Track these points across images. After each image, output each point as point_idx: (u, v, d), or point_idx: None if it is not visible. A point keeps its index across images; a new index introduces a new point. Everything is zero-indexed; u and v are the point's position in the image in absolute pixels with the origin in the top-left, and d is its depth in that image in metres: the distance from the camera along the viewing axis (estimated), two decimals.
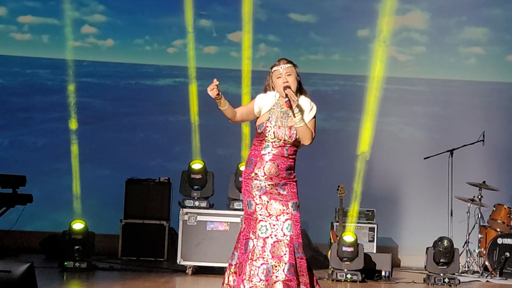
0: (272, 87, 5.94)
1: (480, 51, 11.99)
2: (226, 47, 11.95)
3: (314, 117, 5.91)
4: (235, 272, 5.84)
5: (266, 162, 5.84)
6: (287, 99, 5.77)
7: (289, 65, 5.91)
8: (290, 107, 5.78)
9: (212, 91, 5.71)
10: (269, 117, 5.88)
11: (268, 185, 5.83)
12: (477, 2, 11.95)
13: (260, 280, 5.69)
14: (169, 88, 11.92)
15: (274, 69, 5.93)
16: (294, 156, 5.92)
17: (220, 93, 5.73)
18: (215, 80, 5.74)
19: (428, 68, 11.97)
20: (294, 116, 5.79)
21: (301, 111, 5.82)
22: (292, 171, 5.92)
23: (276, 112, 5.90)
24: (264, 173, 5.83)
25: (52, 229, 10.52)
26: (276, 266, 5.70)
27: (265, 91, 5.99)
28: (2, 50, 11.78)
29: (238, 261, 5.83)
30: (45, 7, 11.81)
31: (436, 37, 11.98)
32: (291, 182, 5.89)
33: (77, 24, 11.76)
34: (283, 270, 5.69)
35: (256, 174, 5.86)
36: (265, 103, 5.91)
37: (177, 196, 9.98)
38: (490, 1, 11.97)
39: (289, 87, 5.82)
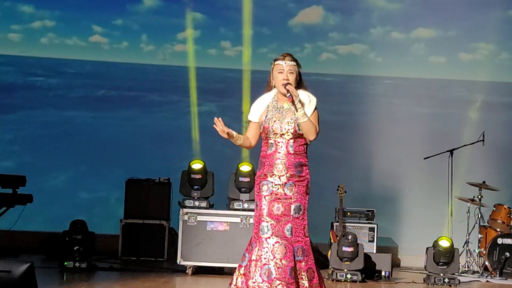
0: (272, 82, 5.93)
1: (481, 51, 11.99)
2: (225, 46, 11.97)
3: (316, 109, 5.89)
4: (244, 274, 5.81)
5: (274, 161, 5.83)
6: (289, 94, 5.77)
7: (293, 63, 5.88)
8: (293, 102, 5.77)
9: (223, 133, 5.77)
10: (266, 115, 5.89)
11: (275, 185, 5.81)
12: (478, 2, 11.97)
13: (263, 281, 5.67)
14: (169, 88, 11.93)
15: (277, 62, 5.89)
16: (303, 152, 5.87)
17: (230, 131, 5.78)
18: (216, 120, 5.77)
19: (428, 68, 11.97)
20: (297, 111, 5.77)
21: (302, 105, 5.81)
22: (304, 167, 5.86)
23: (272, 109, 5.89)
24: (273, 173, 5.82)
25: (52, 229, 10.52)
26: (278, 268, 5.69)
27: (268, 87, 5.98)
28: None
29: (248, 263, 5.82)
30: None
31: (436, 37, 11.98)
32: (300, 182, 5.83)
33: (81, 25, 11.82)
34: (285, 272, 5.67)
35: (265, 175, 5.85)
36: (258, 109, 5.94)
37: (177, 196, 9.98)
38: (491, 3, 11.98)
39: (290, 84, 5.81)
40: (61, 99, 11.72)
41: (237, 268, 5.90)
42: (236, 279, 5.85)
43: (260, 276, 5.68)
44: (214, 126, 5.79)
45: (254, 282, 5.68)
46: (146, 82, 11.88)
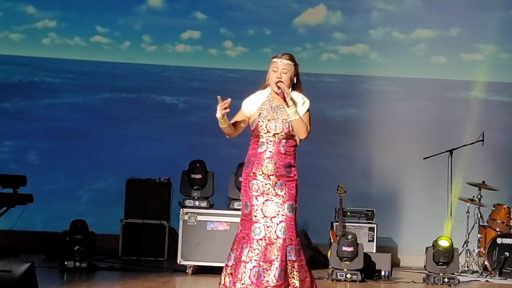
0: (267, 80, 5.89)
1: (481, 51, 12.00)
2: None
3: (308, 111, 5.83)
4: (231, 274, 5.78)
5: (264, 160, 5.76)
6: (280, 91, 5.75)
7: (289, 62, 5.80)
8: (284, 99, 5.74)
9: (223, 110, 5.71)
10: (260, 113, 5.83)
11: (266, 184, 5.75)
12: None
13: (252, 283, 5.63)
14: (170, 88, 11.95)
15: (273, 60, 5.83)
16: (292, 153, 5.83)
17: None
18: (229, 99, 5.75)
19: (428, 68, 11.99)
20: (288, 106, 5.72)
21: (295, 103, 5.76)
22: (292, 168, 5.81)
23: (267, 107, 5.84)
24: (262, 172, 5.75)
25: (52, 229, 10.54)
26: (267, 270, 5.64)
27: (263, 84, 5.95)
28: None
29: (234, 262, 5.79)
30: None
31: (437, 37, 12.00)
32: (290, 182, 5.79)
33: (83, 26, 11.85)
34: (274, 275, 5.63)
35: (254, 173, 5.78)
36: (252, 104, 5.88)
37: (177, 196, 10.00)
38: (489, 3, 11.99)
39: (281, 82, 5.76)
40: (62, 99, 11.74)
41: (224, 268, 5.88)
42: (224, 278, 5.84)
43: (249, 278, 5.64)
44: (218, 106, 5.73)
45: (242, 284, 5.64)
46: (147, 82, 11.89)
